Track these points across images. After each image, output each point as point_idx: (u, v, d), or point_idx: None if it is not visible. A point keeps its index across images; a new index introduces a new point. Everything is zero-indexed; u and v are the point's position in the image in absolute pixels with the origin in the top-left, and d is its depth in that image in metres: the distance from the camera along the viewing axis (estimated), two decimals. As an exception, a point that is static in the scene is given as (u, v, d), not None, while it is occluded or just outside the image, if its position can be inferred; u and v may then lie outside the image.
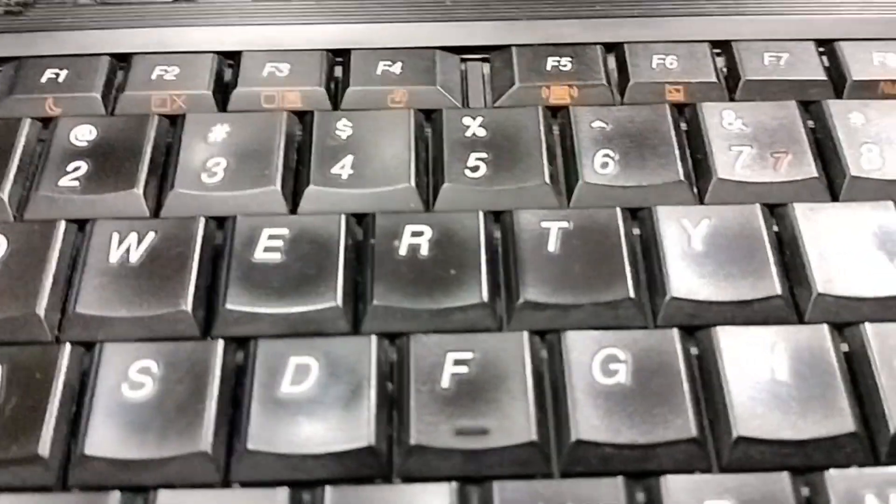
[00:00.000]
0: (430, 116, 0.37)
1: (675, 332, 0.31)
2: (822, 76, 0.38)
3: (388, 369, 0.31)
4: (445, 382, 0.30)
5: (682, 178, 0.35)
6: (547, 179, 0.35)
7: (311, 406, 0.29)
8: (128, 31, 0.40)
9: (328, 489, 0.28)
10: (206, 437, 0.29)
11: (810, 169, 0.35)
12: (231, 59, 0.39)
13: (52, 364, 0.31)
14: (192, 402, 0.30)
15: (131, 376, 0.30)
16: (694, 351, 0.31)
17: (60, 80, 0.38)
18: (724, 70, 0.39)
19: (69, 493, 0.29)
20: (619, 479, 0.28)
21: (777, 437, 0.29)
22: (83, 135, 0.36)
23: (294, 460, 0.29)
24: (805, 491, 0.29)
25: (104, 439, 0.29)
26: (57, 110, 0.37)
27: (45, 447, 0.29)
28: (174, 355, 0.31)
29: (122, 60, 0.39)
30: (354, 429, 0.29)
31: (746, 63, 0.38)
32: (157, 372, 0.30)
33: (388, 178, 0.35)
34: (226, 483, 0.29)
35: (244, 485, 0.29)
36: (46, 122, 0.37)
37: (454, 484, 0.28)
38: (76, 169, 0.35)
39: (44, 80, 0.38)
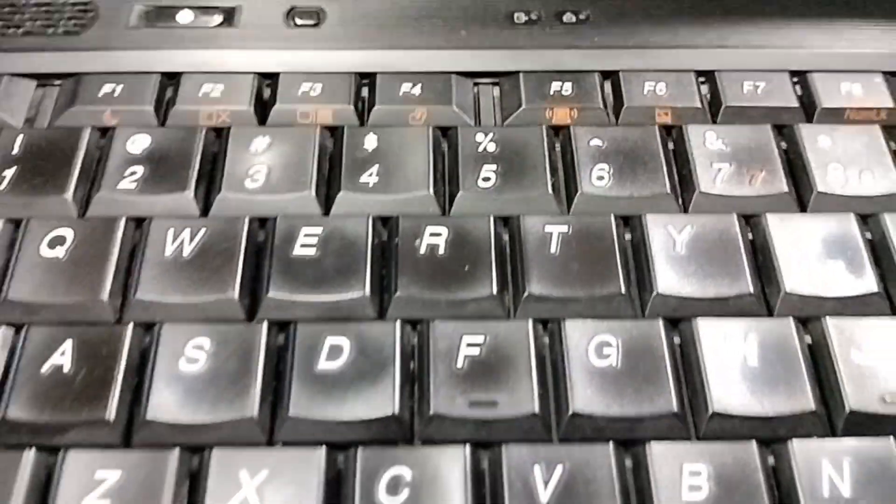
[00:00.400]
0: (446, 133, 0.41)
1: (660, 322, 0.35)
2: (795, 103, 0.42)
3: (410, 350, 0.35)
4: (460, 362, 0.34)
5: (668, 190, 0.39)
6: (549, 189, 0.39)
7: (344, 380, 0.34)
8: (176, 52, 0.43)
9: (359, 450, 0.32)
10: (253, 404, 0.33)
11: (782, 185, 0.39)
12: (269, 79, 0.43)
13: (116, 341, 0.34)
14: (240, 374, 0.34)
15: (187, 352, 0.34)
16: (676, 339, 0.35)
17: (116, 94, 0.42)
18: (708, 96, 0.42)
19: (133, 451, 0.33)
20: (610, 446, 0.32)
21: (747, 412, 0.33)
22: (139, 143, 0.40)
23: (330, 425, 0.33)
24: (771, 459, 0.33)
25: (164, 405, 0.33)
26: (113, 121, 0.41)
27: (111, 412, 0.33)
28: (224, 335, 0.35)
29: (171, 78, 0.43)
30: (381, 399, 0.33)
31: (727, 90, 0.42)
32: (209, 349, 0.34)
33: (410, 186, 0.39)
34: (270, 444, 0.33)
35: (286, 445, 0.33)
36: (104, 131, 0.41)
37: (468, 447, 0.32)
38: (133, 173, 0.39)
39: (101, 93, 0.42)
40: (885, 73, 0.43)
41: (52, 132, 0.41)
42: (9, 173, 0.39)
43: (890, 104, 0.42)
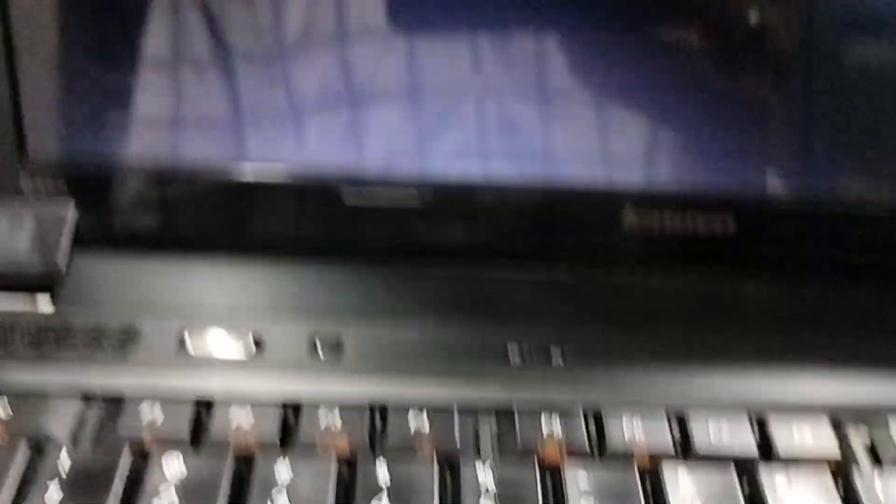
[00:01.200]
0: (450, 462, 0.46)
1: None
2: (754, 445, 0.47)
3: None
4: None
5: (646, 530, 0.44)
6: (543, 521, 0.44)
7: None
8: (210, 379, 0.49)
9: None
10: None
11: (745, 522, 0.45)
12: (293, 407, 0.48)
13: None
14: None
15: None
16: None
17: (154, 416, 0.47)
18: (679, 437, 0.48)
19: None
20: None
21: None
22: (174, 468, 0.45)
23: None
24: None
25: None
26: (151, 444, 0.46)
27: None
28: None
29: (204, 404, 0.48)
30: None
31: (695, 431, 0.48)
32: None
33: (419, 511, 0.44)
34: None
35: None
36: (142, 453, 0.45)
37: None
38: (168, 496, 0.44)
39: (141, 415, 0.47)
40: (831, 417, 0.49)
41: (94, 451, 0.46)
42: (53, 488, 0.44)
43: (836, 448, 0.48)
